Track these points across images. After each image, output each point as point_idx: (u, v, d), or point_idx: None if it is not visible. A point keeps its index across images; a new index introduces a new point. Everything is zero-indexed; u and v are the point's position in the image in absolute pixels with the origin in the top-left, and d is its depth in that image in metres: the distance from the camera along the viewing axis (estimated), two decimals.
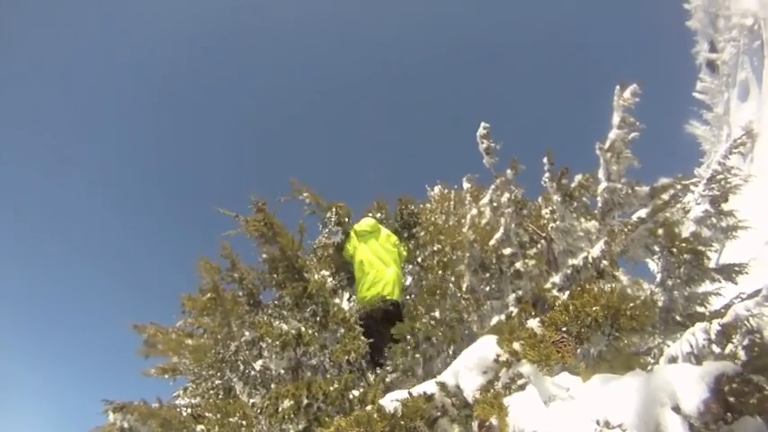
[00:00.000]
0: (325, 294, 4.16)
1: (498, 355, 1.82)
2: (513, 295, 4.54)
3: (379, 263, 4.82)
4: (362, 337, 3.89)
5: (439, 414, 1.82)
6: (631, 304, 2.27)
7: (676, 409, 1.37)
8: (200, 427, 3.77)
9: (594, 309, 2.02)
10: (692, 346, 2.50)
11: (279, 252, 4.41)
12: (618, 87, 5.08)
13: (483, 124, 4.85)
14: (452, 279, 4.58)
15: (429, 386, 1.90)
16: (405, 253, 5.31)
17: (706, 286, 4.65)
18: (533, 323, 1.95)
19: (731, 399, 1.30)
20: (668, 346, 3.20)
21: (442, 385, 1.86)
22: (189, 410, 4.37)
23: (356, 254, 4.95)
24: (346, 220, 5.45)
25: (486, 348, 1.87)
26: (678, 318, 4.51)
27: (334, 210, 5.39)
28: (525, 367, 1.75)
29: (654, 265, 4.76)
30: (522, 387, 1.74)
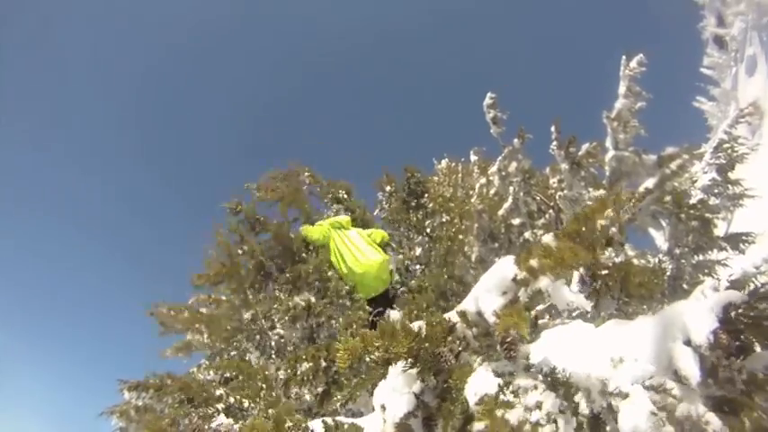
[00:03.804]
0: (322, 274, 4.22)
1: (516, 275, 1.87)
2: None
3: (360, 253, 4.81)
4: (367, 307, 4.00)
5: (461, 348, 1.87)
6: (640, 271, 2.31)
7: (688, 343, 1.41)
8: (218, 391, 3.82)
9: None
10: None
11: (273, 240, 4.53)
12: (624, 57, 5.06)
13: (489, 94, 4.85)
14: (462, 249, 4.64)
15: (451, 315, 1.96)
16: (383, 236, 5.40)
17: (713, 256, 4.69)
18: (548, 238, 1.98)
19: (740, 327, 1.34)
20: None
21: (463, 314, 1.91)
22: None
23: (332, 243, 4.91)
24: (346, 196, 5.53)
25: (504, 269, 1.91)
26: (685, 286, 4.55)
27: (335, 189, 5.48)
28: (543, 282, 1.80)
29: (659, 238, 4.77)
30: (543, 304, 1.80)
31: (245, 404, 3.51)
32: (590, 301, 1.84)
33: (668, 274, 4.59)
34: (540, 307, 1.93)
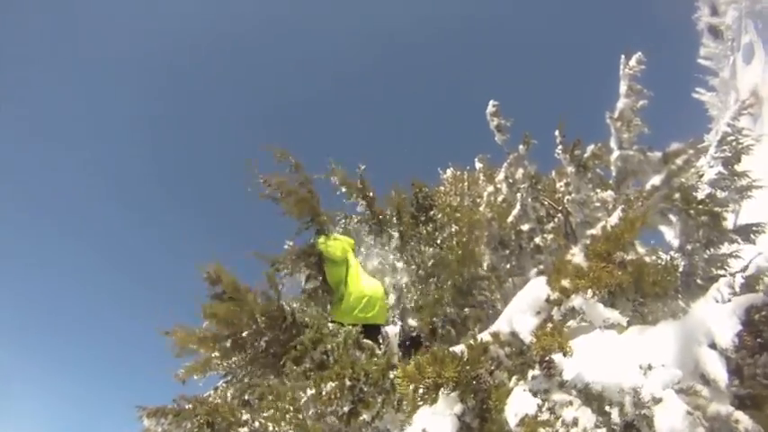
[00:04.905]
0: (323, 344, 4.09)
1: (549, 295, 1.90)
2: (535, 270, 4.58)
3: (374, 281, 4.73)
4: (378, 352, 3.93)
5: (494, 367, 1.89)
6: (653, 270, 2.33)
7: (713, 346, 1.43)
8: (246, 416, 3.78)
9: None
10: (717, 302, 2.54)
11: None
12: (623, 56, 5.08)
13: (492, 102, 4.87)
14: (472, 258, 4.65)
15: (484, 337, 1.98)
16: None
17: (725, 249, 4.67)
18: (578, 258, 2.01)
19: (763, 328, 1.36)
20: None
21: (496, 335, 1.94)
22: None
23: (350, 260, 4.76)
24: (370, 194, 5.45)
25: (536, 289, 1.95)
26: (699, 281, 4.53)
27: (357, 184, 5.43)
28: (577, 300, 1.82)
29: (670, 234, 4.77)
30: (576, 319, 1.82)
31: (270, 428, 3.49)
32: (625, 317, 1.85)
33: (681, 270, 4.57)
34: (572, 324, 1.94)
